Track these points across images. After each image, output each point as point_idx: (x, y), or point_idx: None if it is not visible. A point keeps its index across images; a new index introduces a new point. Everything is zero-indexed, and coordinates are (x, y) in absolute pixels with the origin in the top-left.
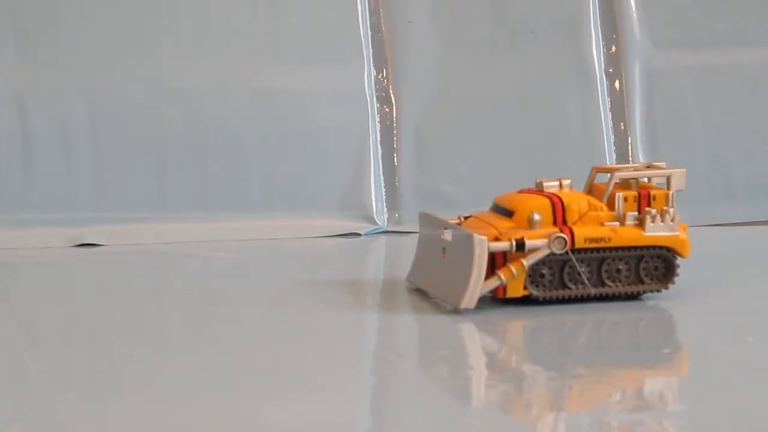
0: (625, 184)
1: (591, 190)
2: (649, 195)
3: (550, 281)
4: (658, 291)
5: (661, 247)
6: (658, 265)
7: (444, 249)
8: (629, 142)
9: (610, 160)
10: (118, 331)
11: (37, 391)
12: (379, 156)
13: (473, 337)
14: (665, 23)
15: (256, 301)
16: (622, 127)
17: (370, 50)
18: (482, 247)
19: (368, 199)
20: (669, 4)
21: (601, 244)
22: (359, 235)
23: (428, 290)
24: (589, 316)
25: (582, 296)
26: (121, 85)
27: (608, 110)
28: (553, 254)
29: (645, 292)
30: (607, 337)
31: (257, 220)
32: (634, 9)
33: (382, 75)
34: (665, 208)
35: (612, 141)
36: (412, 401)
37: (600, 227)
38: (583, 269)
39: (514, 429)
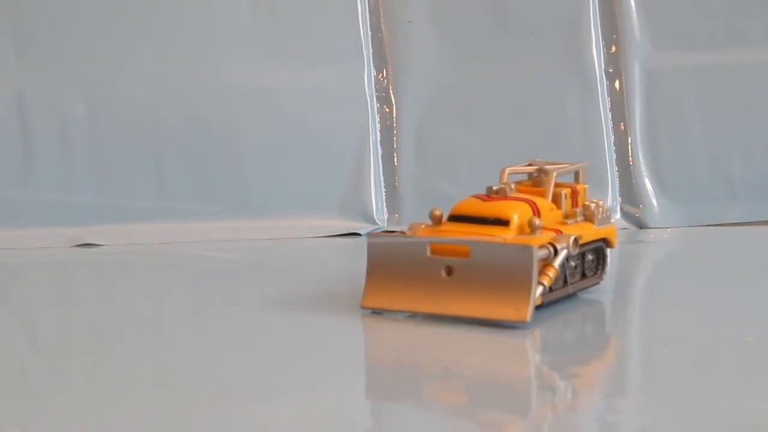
0: (536, 183)
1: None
2: (576, 191)
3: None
4: (596, 284)
5: (599, 240)
6: (593, 258)
7: (449, 267)
8: (629, 142)
9: (610, 160)
10: (117, 331)
11: (37, 391)
12: (379, 156)
13: (471, 340)
14: (665, 23)
15: (255, 302)
16: (622, 127)
17: (370, 50)
18: (536, 256)
19: (368, 199)
20: (669, 4)
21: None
22: (359, 235)
23: (431, 311)
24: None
25: (557, 298)
26: (121, 85)
27: (608, 110)
28: (570, 256)
29: (588, 287)
30: (607, 337)
31: (257, 220)
32: (634, 9)
33: (382, 75)
34: (596, 201)
35: (612, 141)
36: (411, 403)
37: (569, 226)
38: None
39: (515, 430)
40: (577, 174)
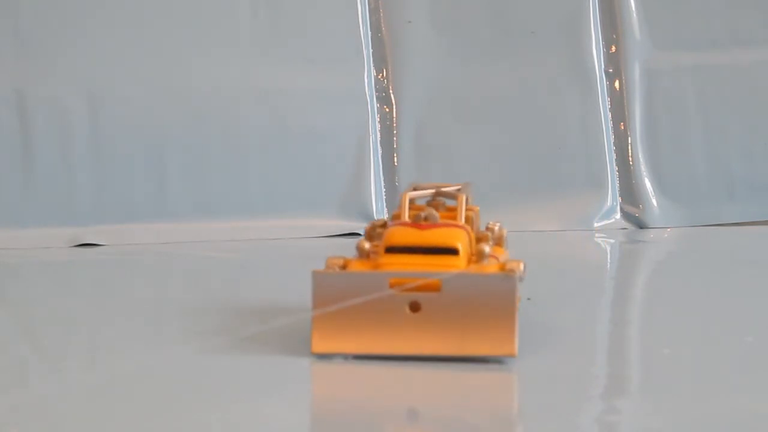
0: (435, 206)
1: (401, 215)
2: (476, 213)
3: None
4: None
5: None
6: None
7: (415, 303)
8: (629, 142)
9: (610, 160)
10: (117, 332)
11: (37, 391)
12: (379, 156)
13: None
14: (665, 23)
15: (255, 302)
16: (622, 127)
17: (370, 50)
18: (517, 286)
19: (368, 199)
20: (669, 4)
21: None
22: (359, 235)
23: (401, 352)
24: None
25: None
26: (121, 85)
27: (608, 110)
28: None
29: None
30: (606, 340)
31: (257, 220)
32: (634, 9)
33: (382, 75)
34: (495, 223)
35: (612, 141)
36: (410, 405)
37: (494, 251)
38: None
39: None
40: (467, 197)
